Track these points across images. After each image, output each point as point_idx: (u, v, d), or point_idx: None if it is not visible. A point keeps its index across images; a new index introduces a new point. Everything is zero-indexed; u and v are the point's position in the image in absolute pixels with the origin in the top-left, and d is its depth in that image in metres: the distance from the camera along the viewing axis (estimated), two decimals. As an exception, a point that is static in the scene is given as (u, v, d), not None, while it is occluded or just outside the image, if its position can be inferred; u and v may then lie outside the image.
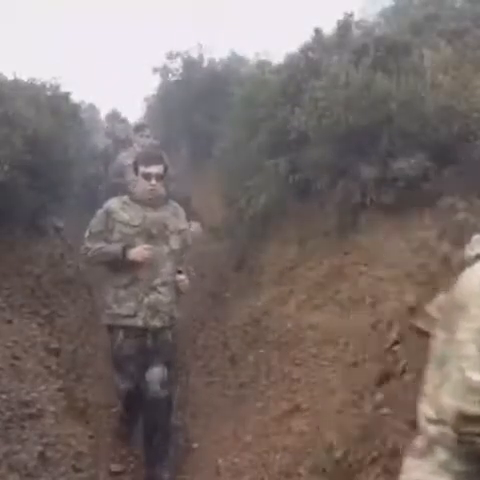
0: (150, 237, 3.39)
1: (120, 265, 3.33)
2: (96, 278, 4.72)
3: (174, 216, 3.53)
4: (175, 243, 3.47)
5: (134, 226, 3.38)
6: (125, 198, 3.49)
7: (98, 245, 3.38)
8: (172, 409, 3.50)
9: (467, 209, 3.18)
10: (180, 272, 3.49)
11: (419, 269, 3.26)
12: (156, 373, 3.32)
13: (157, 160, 3.49)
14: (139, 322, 3.34)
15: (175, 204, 3.62)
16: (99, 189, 6.08)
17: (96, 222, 3.44)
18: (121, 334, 3.36)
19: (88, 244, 3.42)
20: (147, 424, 3.40)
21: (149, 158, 3.50)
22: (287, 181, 4.54)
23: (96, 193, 6.04)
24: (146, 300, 3.35)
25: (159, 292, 3.38)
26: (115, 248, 3.33)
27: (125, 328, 3.36)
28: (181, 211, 3.63)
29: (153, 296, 3.36)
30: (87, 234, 3.45)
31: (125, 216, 3.40)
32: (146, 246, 3.33)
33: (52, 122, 5.07)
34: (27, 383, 3.16)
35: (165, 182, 3.58)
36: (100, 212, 3.46)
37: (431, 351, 1.45)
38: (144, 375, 3.34)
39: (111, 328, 3.43)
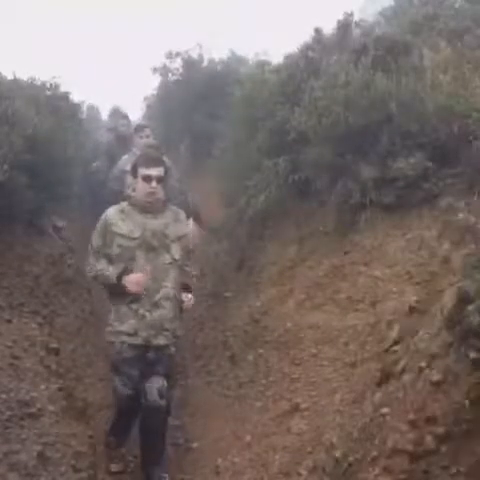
0: (151, 249, 3.30)
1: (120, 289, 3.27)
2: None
3: (174, 222, 3.43)
4: (176, 252, 3.37)
5: (134, 238, 3.29)
6: (124, 205, 3.39)
7: (100, 265, 3.31)
8: (169, 413, 3.48)
9: (467, 209, 3.18)
10: (188, 288, 3.42)
11: (419, 269, 3.26)
12: (155, 382, 3.27)
13: (157, 162, 3.40)
14: (139, 340, 3.26)
15: (174, 208, 3.53)
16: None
17: (96, 236, 3.37)
18: (120, 342, 3.30)
19: (91, 260, 3.37)
20: (143, 428, 3.40)
21: (149, 160, 3.40)
22: (287, 181, 4.54)
23: (98, 194, 5.97)
24: (149, 318, 3.26)
25: (163, 307, 3.30)
26: (112, 276, 3.24)
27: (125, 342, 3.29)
28: (182, 215, 3.54)
29: (156, 313, 3.28)
30: (90, 248, 3.39)
31: (124, 228, 3.30)
32: (139, 275, 3.22)
33: (52, 122, 5.06)
34: (27, 383, 3.16)
35: (164, 184, 3.50)
36: (99, 224, 3.38)
37: None
38: (143, 380, 3.28)
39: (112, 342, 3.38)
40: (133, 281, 3.22)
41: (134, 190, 3.43)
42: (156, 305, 3.27)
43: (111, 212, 3.38)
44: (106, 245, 3.32)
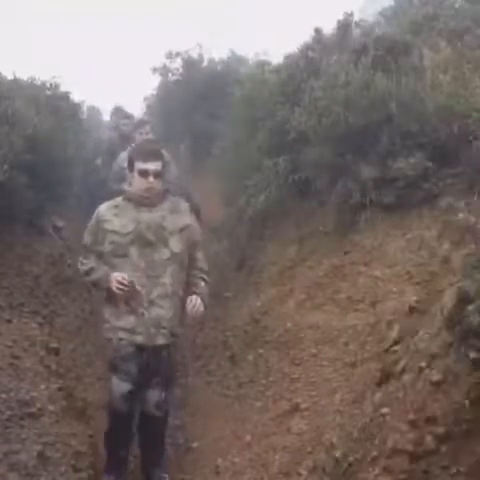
0: (146, 244, 3.09)
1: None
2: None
3: (173, 213, 3.20)
4: (176, 245, 3.13)
5: (126, 234, 3.09)
6: (118, 201, 3.21)
7: (90, 264, 3.19)
8: (169, 414, 3.43)
9: (467, 209, 3.18)
10: (196, 289, 3.22)
11: (419, 269, 3.26)
12: (155, 396, 3.19)
13: (155, 156, 3.16)
14: (138, 338, 3.10)
15: (174, 199, 3.31)
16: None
17: (87, 233, 3.24)
18: (117, 339, 3.15)
19: (83, 256, 3.26)
20: (142, 431, 3.37)
21: (147, 153, 3.17)
22: (287, 181, 4.54)
23: (97, 193, 5.94)
24: (147, 316, 3.08)
25: (160, 306, 3.09)
26: (101, 280, 3.13)
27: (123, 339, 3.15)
28: (183, 205, 3.30)
29: (154, 312, 3.08)
30: (83, 246, 3.28)
31: (116, 224, 3.11)
32: (117, 276, 3.03)
33: (52, 122, 5.06)
34: (27, 382, 3.15)
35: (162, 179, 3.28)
36: (91, 221, 3.23)
37: None
38: (142, 383, 3.17)
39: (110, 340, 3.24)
40: (112, 281, 3.04)
41: (130, 184, 3.22)
42: (152, 303, 3.08)
43: (103, 208, 3.21)
44: (97, 242, 3.17)
